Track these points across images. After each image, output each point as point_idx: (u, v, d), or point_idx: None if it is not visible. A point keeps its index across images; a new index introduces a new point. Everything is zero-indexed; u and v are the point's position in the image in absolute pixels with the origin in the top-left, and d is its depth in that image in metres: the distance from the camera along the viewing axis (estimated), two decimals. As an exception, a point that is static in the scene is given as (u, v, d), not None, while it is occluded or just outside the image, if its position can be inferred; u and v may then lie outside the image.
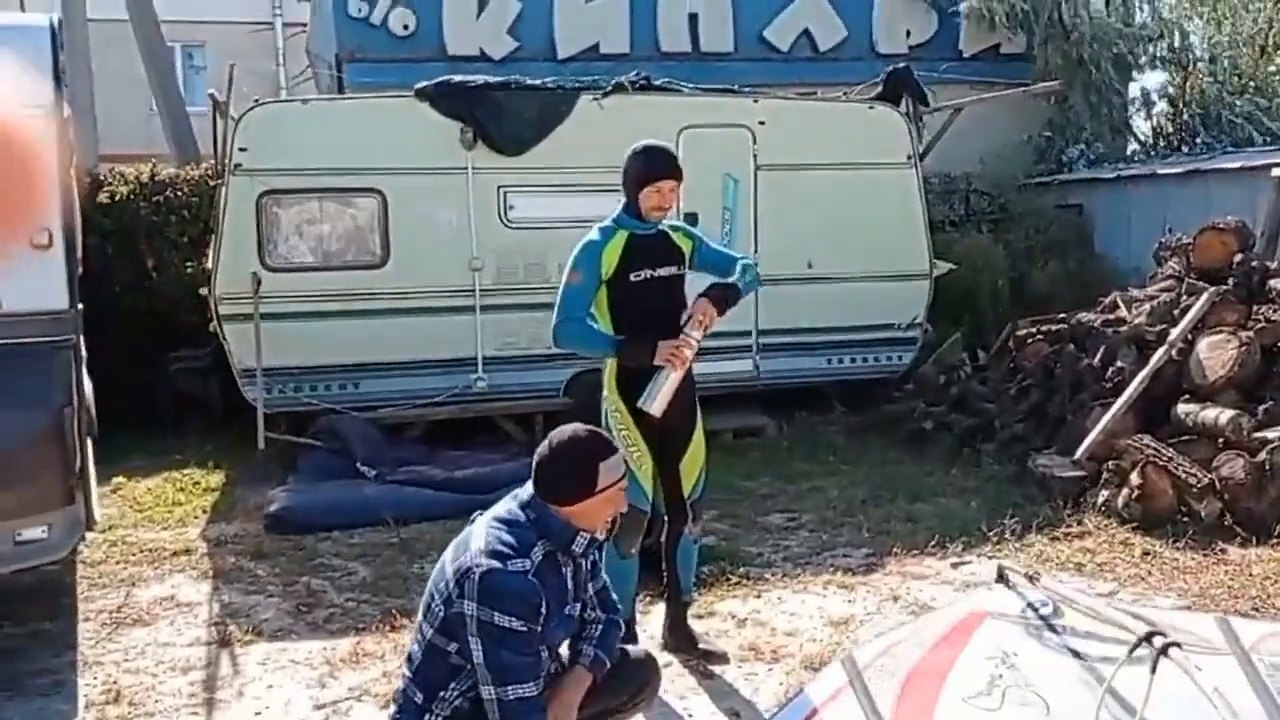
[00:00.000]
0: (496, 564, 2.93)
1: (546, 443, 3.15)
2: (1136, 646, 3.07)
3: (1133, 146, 15.75)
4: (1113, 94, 14.96)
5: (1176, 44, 15.67)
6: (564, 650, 3.35)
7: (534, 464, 3.13)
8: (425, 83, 8.76)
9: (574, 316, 4.38)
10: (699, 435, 4.66)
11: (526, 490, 3.15)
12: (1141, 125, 16.06)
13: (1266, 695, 2.87)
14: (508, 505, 3.15)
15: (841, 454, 8.48)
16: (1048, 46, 14.62)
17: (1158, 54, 15.68)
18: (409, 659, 3.21)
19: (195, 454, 8.64)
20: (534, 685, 2.93)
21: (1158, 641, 2.98)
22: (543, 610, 2.94)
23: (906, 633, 3.69)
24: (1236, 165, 11.10)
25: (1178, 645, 2.98)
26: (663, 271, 4.50)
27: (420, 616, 3.18)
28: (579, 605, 3.23)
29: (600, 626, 3.34)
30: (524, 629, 2.90)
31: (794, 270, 9.34)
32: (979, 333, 10.45)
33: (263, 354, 8.21)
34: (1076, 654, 3.29)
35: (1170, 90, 15.69)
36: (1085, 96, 14.62)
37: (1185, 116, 15.21)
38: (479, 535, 3.06)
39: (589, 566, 3.29)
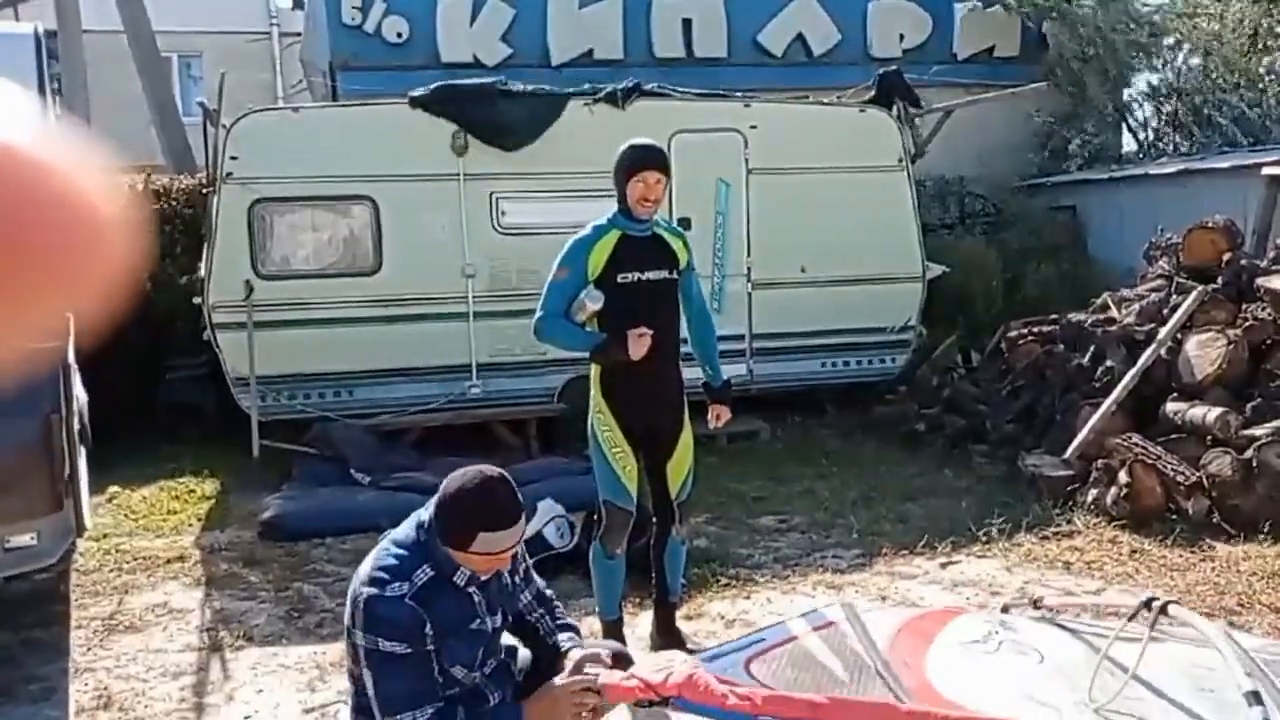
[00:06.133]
0: (374, 590, 2.88)
1: (459, 477, 2.96)
2: (1138, 612, 3.14)
3: (1128, 145, 15.76)
4: (1123, 84, 15.03)
5: (1174, 41, 15.66)
6: (523, 651, 3.33)
7: (442, 486, 2.99)
8: (418, 90, 8.80)
9: (554, 312, 4.42)
10: (686, 437, 4.68)
11: (426, 510, 3.03)
12: (1137, 121, 16.07)
13: (1253, 665, 2.92)
14: (409, 524, 3.06)
15: (834, 456, 8.49)
16: (1063, 32, 14.57)
17: (1165, 47, 15.64)
18: (350, 688, 3.18)
19: (190, 462, 8.66)
20: (419, 712, 2.85)
21: (1156, 605, 3.07)
22: (428, 631, 2.87)
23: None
24: (1227, 165, 11.13)
25: (1176, 602, 3.09)
26: (651, 275, 4.51)
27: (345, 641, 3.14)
28: (500, 617, 3.13)
29: (549, 617, 3.29)
30: (408, 651, 2.84)
31: (787, 274, 9.39)
32: (973, 335, 10.47)
33: (256, 362, 8.25)
34: (1073, 631, 3.37)
35: (1164, 87, 15.68)
36: (1100, 84, 14.61)
37: (1179, 114, 15.21)
38: (368, 560, 3.01)
39: (515, 579, 3.21)
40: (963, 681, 3.02)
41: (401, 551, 2.98)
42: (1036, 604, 3.76)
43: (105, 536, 6.88)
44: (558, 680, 3.05)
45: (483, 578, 3.03)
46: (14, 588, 5.28)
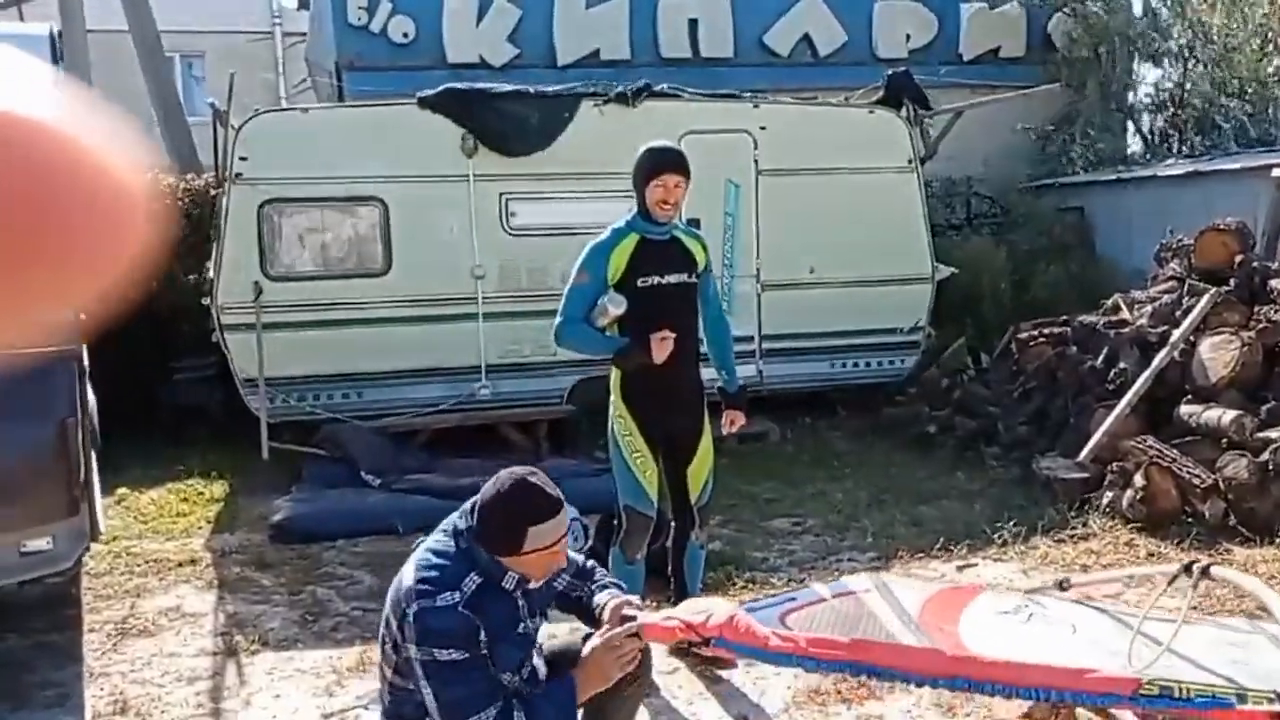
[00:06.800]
0: (425, 603, 2.84)
1: (492, 484, 2.95)
2: (1177, 576, 3.12)
3: (1134, 147, 15.71)
4: (1127, 86, 15.01)
5: (1186, 39, 15.58)
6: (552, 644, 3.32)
7: (477, 500, 2.97)
8: (427, 91, 8.77)
9: (575, 317, 4.40)
10: (706, 441, 4.68)
11: (461, 519, 3.00)
12: (1144, 123, 16.02)
13: None
14: (439, 535, 3.02)
15: (845, 458, 8.48)
16: (1070, 35, 14.58)
17: (1172, 48, 15.58)
18: (380, 698, 3.14)
19: (199, 464, 8.62)
20: (485, 714, 2.84)
21: (1197, 567, 3.08)
22: (482, 637, 2.85)
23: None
24: (1237, 166, 11.09)
25: (1218, 564, 3.10)
26: (671, 278, 4.50)
27: (379, 655, 3.09)
28: (540, 618, 3.13)
29: (591, 585, 3.27)
30: (465, 657, 2.82)
31: (796, 275, 9.37)
32: (982, 336, 10.44)
33: (265, 363, 8.22)
34: (1104, 610, 3.35)
35: (1169, 88, 15.62)
36: (1100, 87, 14.60)
37: (1183, 117, 15.15)
38: (409, 573, 2.96)
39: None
40: (997, 645, 2.98)
41: (443, 562, 2.94)
42: (1063, 586, 3.73)
43: (115, 539, 6.85)
44: (597, 637, 3.04)
45: (536, 584, 3.00)
46: (25, 592, 5.27)
